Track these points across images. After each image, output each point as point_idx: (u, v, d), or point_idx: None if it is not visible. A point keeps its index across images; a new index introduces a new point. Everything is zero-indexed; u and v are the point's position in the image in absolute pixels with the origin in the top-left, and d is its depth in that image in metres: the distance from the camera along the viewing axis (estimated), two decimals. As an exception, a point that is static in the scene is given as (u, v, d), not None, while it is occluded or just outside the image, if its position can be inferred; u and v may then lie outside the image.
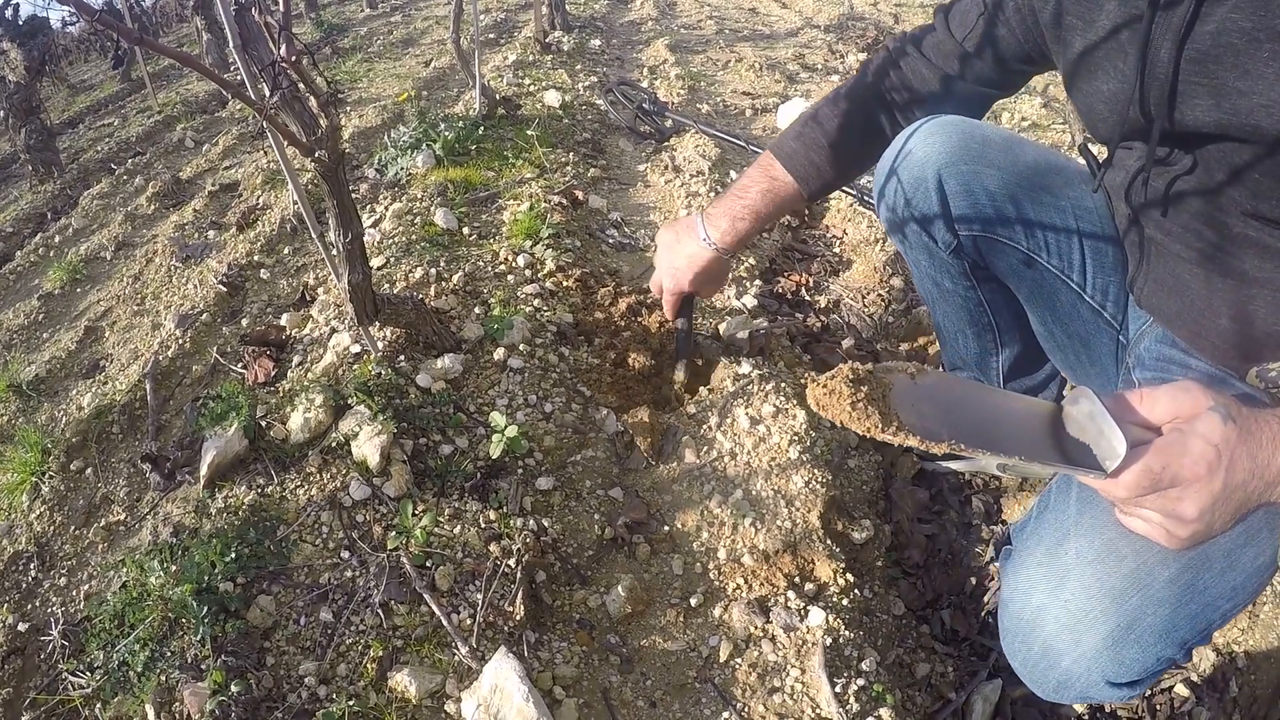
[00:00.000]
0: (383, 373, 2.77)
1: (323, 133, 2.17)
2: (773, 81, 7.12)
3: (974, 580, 2.42)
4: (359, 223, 2.43)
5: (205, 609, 2.17)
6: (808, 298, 3.66)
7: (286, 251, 4.23)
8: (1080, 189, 1.93)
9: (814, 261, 4.07)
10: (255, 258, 4.17)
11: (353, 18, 14.46)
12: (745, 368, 2.80)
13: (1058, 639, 1.39)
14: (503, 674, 1.91)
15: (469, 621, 2.17)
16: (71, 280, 4.89)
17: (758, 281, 3.57)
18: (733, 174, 4.65)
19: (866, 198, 4.15)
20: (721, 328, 3.11)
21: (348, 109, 6.87)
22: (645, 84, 6.60)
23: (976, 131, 1.92)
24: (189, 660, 2.13)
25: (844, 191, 4.28)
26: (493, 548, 2.34)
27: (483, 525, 2.41)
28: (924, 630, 2.30)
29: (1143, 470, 1.14)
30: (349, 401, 2.68)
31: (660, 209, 4.43)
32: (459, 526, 2.39)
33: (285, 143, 2.16)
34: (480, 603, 2.20)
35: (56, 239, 5.69)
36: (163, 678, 2.12)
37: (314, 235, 2.46)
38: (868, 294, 3.71)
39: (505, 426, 2.56)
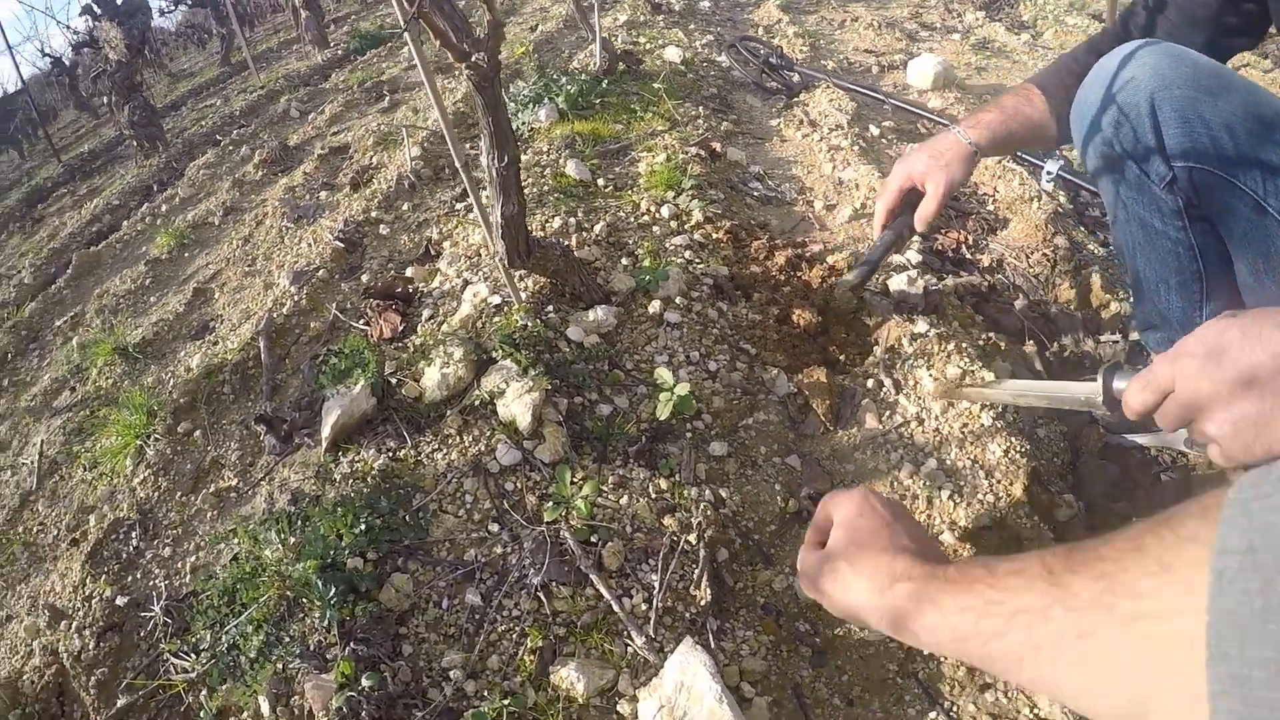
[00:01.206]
0: (529, 324, 2.47)
1: (485, 32, 1.85)
2: (893, 40, 6.73)
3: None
4: (514, 145, 2.12)
5: (331, 588, 1.88)
6: (969, 256, 3.43)
7: (405, 208, 3.98)
8: None
9: (969, 219, 3.78)
10: (373, 214, 3.93)
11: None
12: (921, 326, 2.59)
13: None
14: (690, 669, 1.65)
15: (644, 607, 1.87)
16: (179, 245, 4.73)
17: (916, 238, 3.28)
18: (872, 128, 4.43)
19: (1019, 153, 3.89)
20: (890, 283, 2.88)
21: (455, 73, 6.61)
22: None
23: (1188, 57, 1.78)
24: (311, 647, 1.85)
25: None
26: (667, 521, 2.03)
27: (653, 495, 2.10)
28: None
29: (1141, 381, 1.22)
30: (493, 355, 2.39)
31: (801, 163, 4.17)
32: (625, 496, 2.09)
33: (436, 44, 1.84)
34: (657, 585, 1.89)
35: (163, 208, 5.57)
36: (279, 665, 1.85)
37: (458, 164, 2.14)
38: (1031, 253, 3.39)
39: (674, 384, 2.26)
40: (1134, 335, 2.63)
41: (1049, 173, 3.10)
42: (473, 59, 1.87)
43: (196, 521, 2.53)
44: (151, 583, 2.38)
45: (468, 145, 4.41)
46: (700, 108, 4.64)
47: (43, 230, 6.76)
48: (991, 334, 2.66)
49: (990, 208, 3.78)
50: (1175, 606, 0.70)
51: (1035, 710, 1.69)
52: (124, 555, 2.51)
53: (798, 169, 4.14)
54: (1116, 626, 0.76)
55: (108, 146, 9.31)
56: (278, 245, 4.07)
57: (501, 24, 1.89)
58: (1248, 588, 0.64)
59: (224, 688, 1.91)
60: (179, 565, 2.40)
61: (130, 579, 2.42)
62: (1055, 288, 3.17)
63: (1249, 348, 1.09)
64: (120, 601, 2.32)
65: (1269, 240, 1.83)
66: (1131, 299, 2.37)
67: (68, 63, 12.54)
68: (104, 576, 2.43)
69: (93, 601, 2.37)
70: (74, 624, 2.31)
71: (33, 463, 3.22)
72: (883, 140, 4.21)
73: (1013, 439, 2.19)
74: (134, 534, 2.56)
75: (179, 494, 2.65)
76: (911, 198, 2.31)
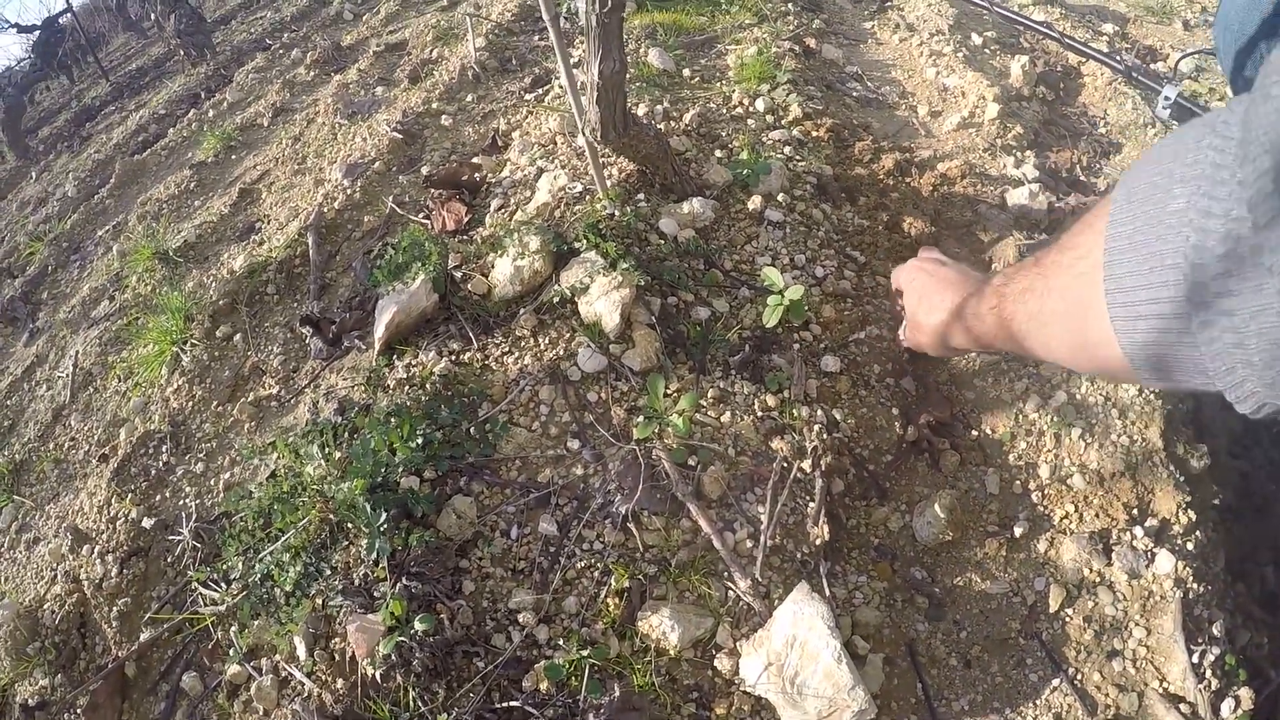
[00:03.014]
0: (617, 213, 2.18)
1: None
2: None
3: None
4: None
5: (381, 513, 1.63)
6: (1083, 178, 3.23)
7: (469, 99, 3.66)
8: None
9: (1081, 140, 3.56)
10: (434, 105, 3.61)
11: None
12: (1043, 239, 2.40)
13: None
14: (805, 621, 1.46)
15: (749, 544, 1.65)
16: (225, 148, 4.46)
17: (1029, 152, 3.11)
18: (974, 37, 4.12)
19: (1135, 75, 3.57)
20: (1008, 197, 2.65)
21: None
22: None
23: None
24: (356, 582, 1.64)
25: (1107, 64, 3.72)
26: (776, 444, 1.79)
27: (759, 413, 1.86)
28: (1240, 589, 1.90)
29: None
30: (574, 246, 2.12)
31: (900, 67, 3.91)
32: (728, 413, 1.84)
33: None
34: (765, 518, 1.65)
35: (210, 113, 5.31)
36: (319, 601, 1.64)
37: (545, 14, 1.81)
38: (1149, 182, 3.08)
39: (786, 287, 1.98)
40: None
41: (1166, 98, 2.78)
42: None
43: (233, 434, 2.29)
44: (181, 502, 2.16)
45: (536, 37, 4.08)
46: (789, 4, 4.30)
47: (90, 147, 6.53)
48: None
49: (1102, 130, 3.57)
50: (1091, 245, 0.84)
51: (1165, 683, 1.56)
52: (153, 472, 2.29)
53: (897, 72, 3.85)
54: (1065, 273, 0.92)
55: (156, 63, 9.09)
56: (330, 142, 3.78)
57: None
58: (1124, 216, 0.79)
59: (256, 624, 1.71)
60: (211, 483, 2.17)
61: (158, 498, 2.21)
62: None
63: None
64: (147, 523, 2.11)
65: None
66: None
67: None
68: (130, 495, 2.22)
69: (117, 523, 2.16)
70: (97, 548, 2.12)
71: (68, 375, 2.99)
72: (985, 50, 3.91)
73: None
74: (164, 448, 2.33)
75: (215, 404, 2.40)
76: None
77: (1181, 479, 1.84)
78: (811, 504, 1.67)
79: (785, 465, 1.70)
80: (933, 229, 2.52)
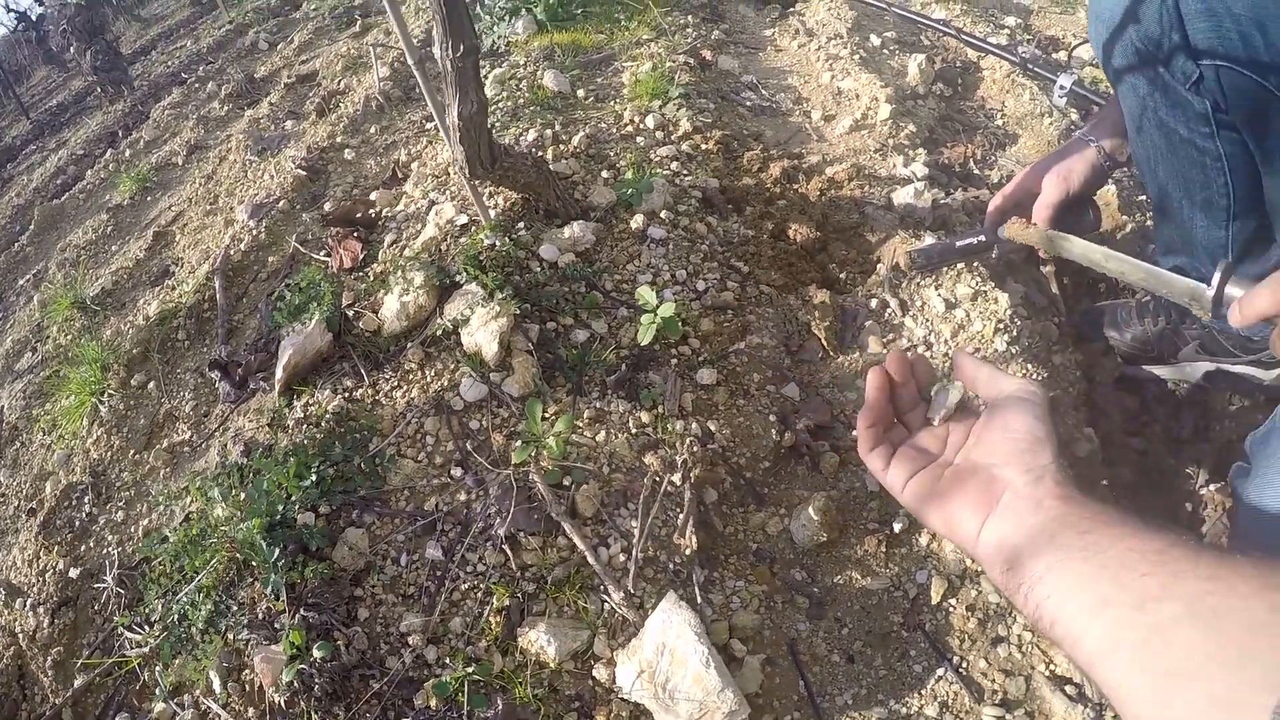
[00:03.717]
0: (498, 244, 2.25)
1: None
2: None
3: (1189, 506, 2.11)
4: (473, 34, 1.87)
5: (277, 550, 1.72)
6: (977, 171, 3.26)
7: (373, 130, 3.75)
8: None
9: (976, 134, 3.61)
10: (338, 139, 3.69)
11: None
12: (929, 241, 2.38)
13: None
14: (673, 629, 1.51)
15: (622, 558, 1.71)
16: (141, 190, 4.49)
17: (921, 150, 3.15)
18: (873, 38, 4.18)
19: (1030, 66, 3.69)
20: (894, 197, 2.69)
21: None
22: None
23: None
24: (260, 615, 1.72)
25: (1003, 58, 3.81)
26: (649, 459, 1.87)
27: (634, 430, 1.93)
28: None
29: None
30: (456, 279, 2.19)
31: (798, 73, 3.96)
32: (603, 432, 1.92)
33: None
34: (637, 532, 1.72)
35: (127, 153, 5.32)
36: (229, 636, 1.73)
37: (410, 60, 1.90)
38: (1043, 170, 3.18)
39: (658, 305, 2.06)
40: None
41: (1061, 87, 2.88)
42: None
43: (150, 481, 2.35)
44: (104, 551, 2.23)
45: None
46: (689, 16, 4.37)
47: (10, 191, 6.51)
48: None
49: (999, 122, 3.65)
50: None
51: (1051, 665, 1.59)
52: (77, 523, 2.35)
53: (794, 79, 3.92)
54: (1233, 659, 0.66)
55: (76, 98, 9.04)
56: (240, 180, 3.83)
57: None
58: None
59: (177, 662, 1.77)
60: (132, 530, 2.24)
61: (83, 548, 2.27)
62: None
63: None
64: (73, 574, 2.18)
65: None
66: (1151, 221, 2.22)
67: (34, 16, 12.17)
68: (56, 548, 2.28)
69: (46, 575, 2.23)
70: (29, 601, 2.18)
71: (-7, 432, 3.02)
72: (884, 51, 3.98)
73: (1028, 365, 2.07)
74: (86, 499, 2.40)
75: (132, 452, 2.46)
76: (1027, 202, 2.10)
77: (1066, 465, 1.91)
78: (680, 515, 1.75)
79: (656, 480, 1.78)
80: (818, 234, 2.56)
